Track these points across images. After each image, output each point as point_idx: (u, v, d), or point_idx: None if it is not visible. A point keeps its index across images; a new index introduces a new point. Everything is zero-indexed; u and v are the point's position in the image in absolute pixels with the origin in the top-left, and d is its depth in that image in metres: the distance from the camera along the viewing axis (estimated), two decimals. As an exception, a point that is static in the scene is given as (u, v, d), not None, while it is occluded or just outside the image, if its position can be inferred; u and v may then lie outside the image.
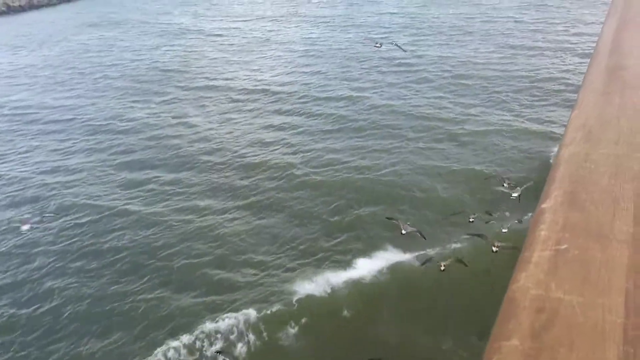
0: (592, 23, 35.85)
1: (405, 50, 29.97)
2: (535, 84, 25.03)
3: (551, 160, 18.06)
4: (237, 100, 25.62)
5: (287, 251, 13.82)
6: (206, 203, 16.17)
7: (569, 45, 30.64)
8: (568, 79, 25.39)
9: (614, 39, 2.39)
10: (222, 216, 15.53)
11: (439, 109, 22.63)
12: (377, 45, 28.95)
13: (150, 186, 17.39)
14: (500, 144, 19.08)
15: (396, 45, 26.41)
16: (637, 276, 1.16)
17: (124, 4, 58.47)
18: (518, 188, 12.23)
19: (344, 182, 16.68)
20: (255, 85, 27.52)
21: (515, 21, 38.48)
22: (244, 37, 37.86)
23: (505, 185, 12.46)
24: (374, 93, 25.20)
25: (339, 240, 14.00)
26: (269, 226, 14.93)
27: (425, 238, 12.25)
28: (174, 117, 24.08)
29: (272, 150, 19.47)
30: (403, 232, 11.94)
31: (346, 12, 44.44)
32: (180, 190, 17.22)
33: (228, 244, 14.13)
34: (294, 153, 19.23)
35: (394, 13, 43.01)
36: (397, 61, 30.08)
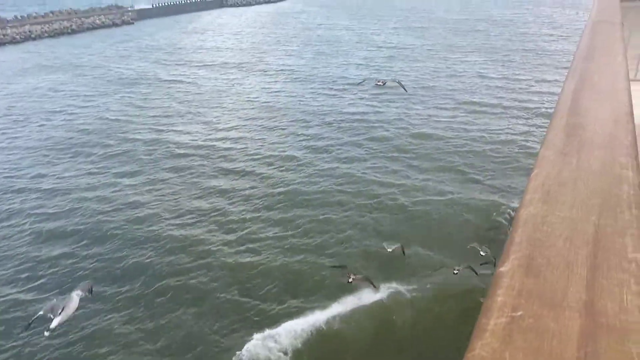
0: (555, 81, 35.86)
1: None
2: (496, 146, 24.04)
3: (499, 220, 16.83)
4: (181, 156, 23.82)
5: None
6: (110, 290, 14.04)
7: (531, 105, 30.17)
8: (528, 141, 24.55)
9: (573, 98, 2.20)
10: (123, 314, 13.39)
11: (392, 173, 21.25)
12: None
13: (52, 271, 15.17)
14: (452, 218, 17.65)
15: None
16: (588, 344, 1.14)
17: (90, 45, 57.20)
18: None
19: (271, 268, 14.87)
20: (205, 141, 25.86)
21: (481, 76, 38.30)
22: (202, 86, 36.52)
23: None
24: (327, 153, 23.77)
25: (252, 345, 12.04)
26: (173, 328, 12.88)
27: (375, 286, 12.81)
28: (108, 176, 22.08)
29: (203, 223, 17.56)
30: (350, 280, 12.56)
31: (312, 62, 43.85)
32: (84, 270, 15.08)
33: None
34: (226, 225, 17.41)
35: (360, 64, 42.60)
36: (357, 117, 28.97)
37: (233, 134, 26.60)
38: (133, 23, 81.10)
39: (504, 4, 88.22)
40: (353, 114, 29.75)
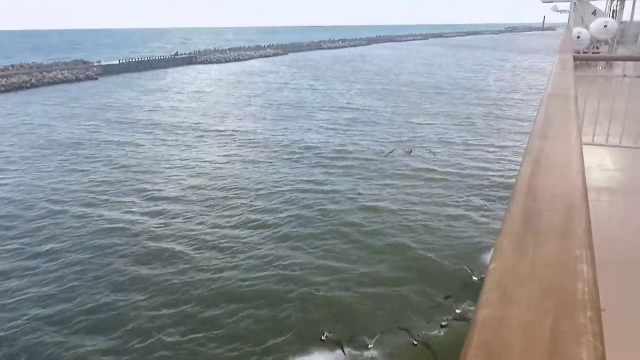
0: (514, 147, 35.48)
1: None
2: (452, 222, 22.40)
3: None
4: (109, 233, 21.39)
5: None
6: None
7: (490, 174, 29.07)
8: (485, 215, 23.05)
9: (530, 181, 2.15)
10: None
11: (339, 254, 19.27)
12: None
13: None
14: (400, 308, 15.64)
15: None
16: None
17: (44, 100, 55.24)
18: None
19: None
20: (140, 214, 23.58)
21: (442, 141, 37.64)
22: (151, 149, 34.56)
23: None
24: (273, 230, 21.77)
25: None
26: None
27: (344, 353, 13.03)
28: (19, 259, 19.45)
29: (103, 329, 15.04)
30: (323, 338, 13.21)
31: (272, 125, 42.77)
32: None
33: None
34: (130, 331, 14.90)
35: (321, 127, 41.70)
36: (310, 186, 27.28)
37: (171, 207, 24.39)
38: (97, 78, 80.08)
39: (467, 67, 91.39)
40: (306, 182, 28.14)
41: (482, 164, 31.47)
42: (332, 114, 48.25)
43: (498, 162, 31.99)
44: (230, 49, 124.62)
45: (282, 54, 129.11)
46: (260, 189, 26.98)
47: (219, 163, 31.92)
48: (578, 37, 26.80)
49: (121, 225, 22.28)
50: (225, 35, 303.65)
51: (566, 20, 40.04)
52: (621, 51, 29.76)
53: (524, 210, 1.79)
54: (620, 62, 20.03)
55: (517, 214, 1.76)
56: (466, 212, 23.38)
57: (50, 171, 30.21)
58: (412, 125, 43.18)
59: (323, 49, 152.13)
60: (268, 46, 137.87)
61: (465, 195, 25.96)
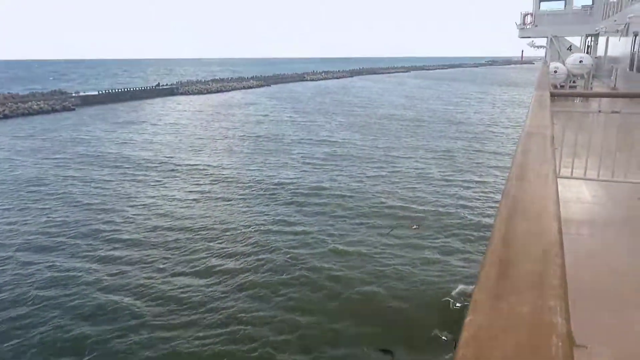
0: (494, 182, 34.76)
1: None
2: (426, 267, 21.24)
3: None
4: (55, 283, 19.64)
5: None
6: None
7: (468, 213, 28.12)
8: (463, 259, 21.92)
9: (507, 228, 2.07)
10: None
11: (292, 311, 17.80)
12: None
13: None
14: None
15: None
16: None
17: (15, 132, 53.35)
18: None
19: None
20: (95, 261, 21.91)
21: (421, 176, 36.85)
22: (116, 186, 32.95)
23: None
24: (234, 278, 20.25)
25: None
26: None
27: None
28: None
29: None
30: None
31: (247, 160, 41.62)
32: None
33: None
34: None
35: (297, 162, 40.61)
36: (280, 227, 25.94)
37: (130, 251, 22.73)
38: (74, 109, 78.57)
39: (448, 100, 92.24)
40: (278, 222, 26.80)
41: (461, 202, 30.54)
42: (310, 147, 47.39)
43: (477, 199, 31.14)
44: (212, 80, 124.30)
45: (264, 86, 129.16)
46: (229, 230, 25.55)
47: (189, 200, 30.48)
48: (555, 71, 27.00)
49: (73, 273, 20.56)
50: (210, 66, 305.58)
51: (543, 55, 40.28)
52: (596, 85, 29.74)
53: (501, 259, 1.75)
54: (595, 98, 19.77)
55: (494, 263, 1.72)
56: (442, 256, 22.18)
57: (5, 209, 28.42)
58: (391, 159, 42.46)
59: (306, 80, 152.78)
60: (251, 77, 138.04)
61: (444, 236, 24.85)
